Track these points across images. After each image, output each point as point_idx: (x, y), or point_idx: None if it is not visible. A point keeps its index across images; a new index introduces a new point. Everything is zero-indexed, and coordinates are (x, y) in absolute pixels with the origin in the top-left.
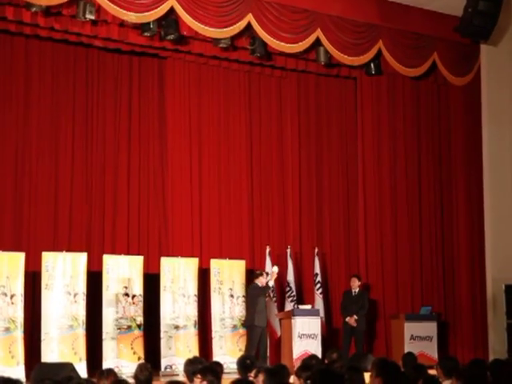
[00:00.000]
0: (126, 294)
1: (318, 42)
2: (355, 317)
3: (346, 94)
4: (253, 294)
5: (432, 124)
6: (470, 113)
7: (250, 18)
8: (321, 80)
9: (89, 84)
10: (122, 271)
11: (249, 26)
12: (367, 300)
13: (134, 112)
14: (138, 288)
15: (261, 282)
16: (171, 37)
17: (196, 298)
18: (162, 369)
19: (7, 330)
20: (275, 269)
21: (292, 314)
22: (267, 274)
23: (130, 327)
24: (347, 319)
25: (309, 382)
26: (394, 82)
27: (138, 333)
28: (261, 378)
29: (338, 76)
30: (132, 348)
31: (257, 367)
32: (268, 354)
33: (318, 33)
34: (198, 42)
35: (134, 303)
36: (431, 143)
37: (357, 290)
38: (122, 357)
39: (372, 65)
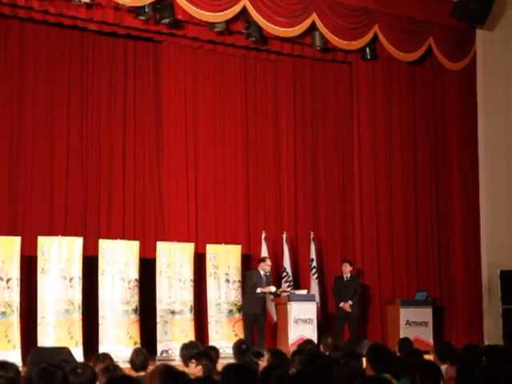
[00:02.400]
0: (122, 279)
1: (313, 27)
2: (350, 302)
3: (341, 78)
4: (249, 281)
5: (427, 109)
6: (465, 98)
7: (245, 1)
8: (316, 65)
9: (84, 68)
10: (118, 256)
11: (244, 9)
12: (359, 285)
13: (129, 96)
14: (133, 273)
15: (263, 268)
16: (166, 20)
17: (192, 283)
18: (158, 354)
19: (3, 314)
20: (273, 288)
21: (288, 299)
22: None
23: (126, 312)
24: (341, 304)
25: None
26: (390, 67)
27: (134, 317)
28: (266, 357)
29: (333, 61)
30: (128, 333)
31: (257, 350)
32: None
33: (314, 17)
34: (193, 26)
35: (129, 288)
36: (427, 128)
37: (348, 276)
38: (118, 341)
39: (367, 49)
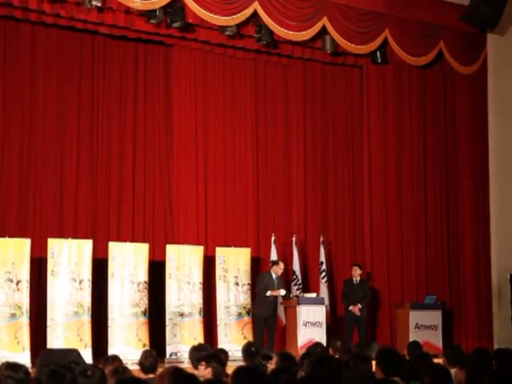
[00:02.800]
0: (131, 282)
1: (324, 31)
2: (359, 306)
3: (351, 82)
4: (259, 283)
5: (438, 113)
6: (476, 102)
7: (256, 5)
8: (327, 68)
9: (95, 71)
10: (128, 258)
11: (255, 13)
12: (369, 289)
13: (140, 99)
14: (143, 275)
15: (275, 271)
16: (177, 24)
17: (201, 286)
18: (167, 356)
19: (13, 315)
20: (283, 292)
21: (297, 302)
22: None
23: (135, 314)
24: (351, 308)
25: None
26: (400, 71)
27: (143, 320)
28: (274, 360)
29: (343, 64)
30: (137, 335)
31: (266, 353)
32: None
33: (324, 21)
34: (204, 30)
35: (139, 290)
36: (437, 132)
37: (358, 279)
38: (127, 344)
39: (378, 53)
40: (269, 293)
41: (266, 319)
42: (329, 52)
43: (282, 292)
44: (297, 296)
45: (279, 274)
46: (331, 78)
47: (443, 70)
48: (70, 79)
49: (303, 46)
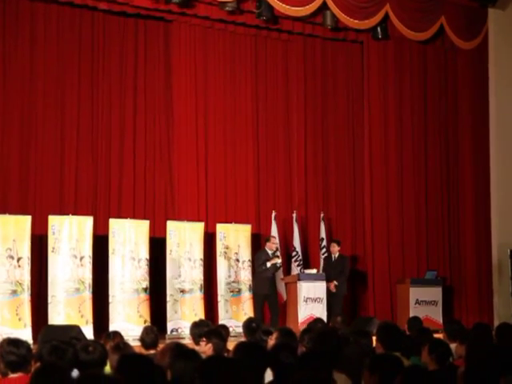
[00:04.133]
0: (132, 258)
1: (324, 6)
2: (335, 282)
3: (352, 58)
4: (257, 261)
5: (439, 88)
6: (477, 76)
7: None
8: (327, 44)
9: (94, 48)
10: (128, 235)
11: None
12: (347, 265)
13: (140, 75)
14: (143, 252)
15: (270, 247)
16: (177, 0)
17: (202, 262)
18: (168, 332)
19: (14, 292)
20: (279, 260)
21: (298, 278)
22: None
23: (136, 291)
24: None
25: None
26: (401, 46)
27: (144, 296)
28: (274, 335)
29: (344, 40)
30: (138, 311)
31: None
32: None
33: None
34: (204, 6)
35: (139, 267)
36: (438, 107)
37: (336, 255)
38: (128, 320)
39: (379, 29)
40: (268, 264)
41: (266, 297)
42: (329, 27)
43: (278, 260)
44: (277, 256)
45: (273, 248)
46: (332, 53)
47: (444, 45)
48: (70, 56)
49: (304, 22)
